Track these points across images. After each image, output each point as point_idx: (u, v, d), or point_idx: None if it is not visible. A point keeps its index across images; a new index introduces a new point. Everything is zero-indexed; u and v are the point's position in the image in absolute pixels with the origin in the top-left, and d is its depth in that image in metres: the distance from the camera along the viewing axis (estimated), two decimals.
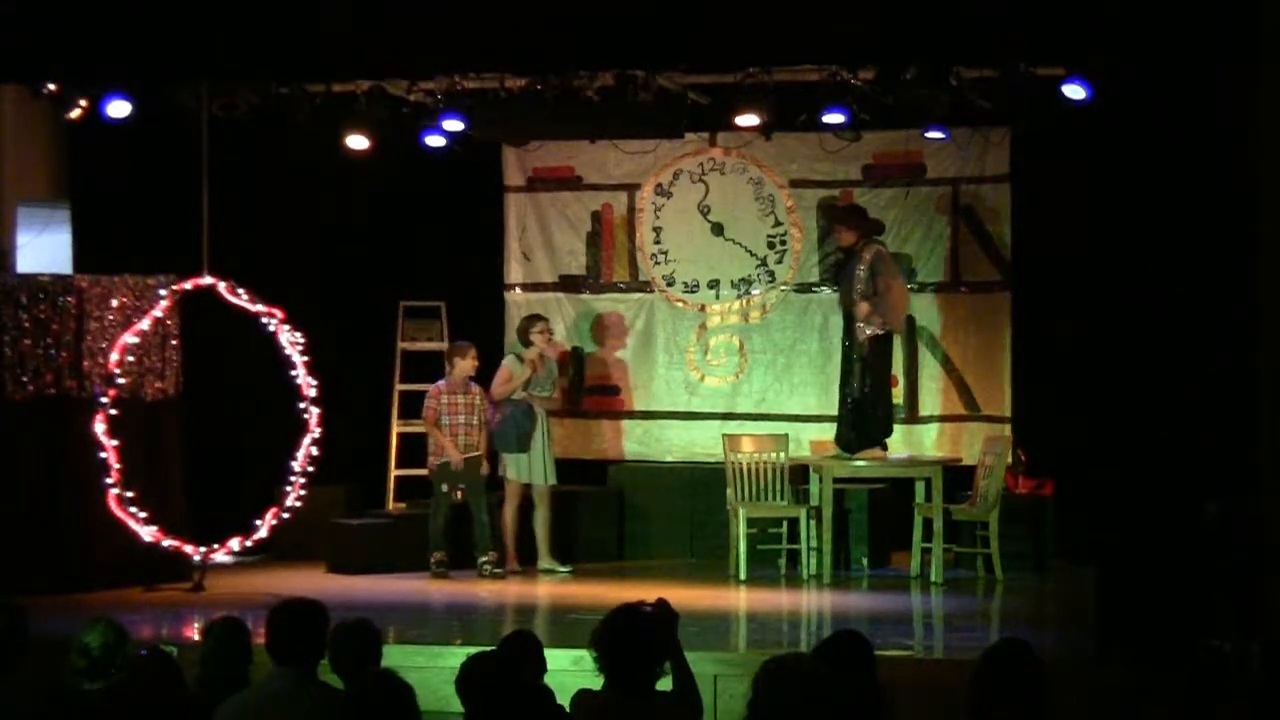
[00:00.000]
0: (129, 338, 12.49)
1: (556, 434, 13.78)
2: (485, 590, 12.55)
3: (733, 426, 14.06)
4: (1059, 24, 10.98)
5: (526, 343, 13.33)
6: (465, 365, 13.27)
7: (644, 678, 5.70)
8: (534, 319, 13.51)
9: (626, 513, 14.06)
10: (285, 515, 12.74)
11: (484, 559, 13.01)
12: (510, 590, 12.61)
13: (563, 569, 13.20)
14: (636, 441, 14.58)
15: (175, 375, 12.90)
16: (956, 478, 13.23)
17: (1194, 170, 11.61)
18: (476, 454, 13.19)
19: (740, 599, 12.39)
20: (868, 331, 13.01)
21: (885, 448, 13.23)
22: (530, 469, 13.17)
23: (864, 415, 13.12)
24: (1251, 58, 9.73)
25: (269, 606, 6.49)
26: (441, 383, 13.31)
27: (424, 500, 14.21)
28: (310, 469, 12.76)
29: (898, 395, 14.02)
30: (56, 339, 12.43)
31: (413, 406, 14.65)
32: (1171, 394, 12.02)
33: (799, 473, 13.37)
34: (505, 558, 13.11)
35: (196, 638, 7.38)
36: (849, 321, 13.16)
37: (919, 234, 14.17)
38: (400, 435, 14.59)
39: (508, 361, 13.44)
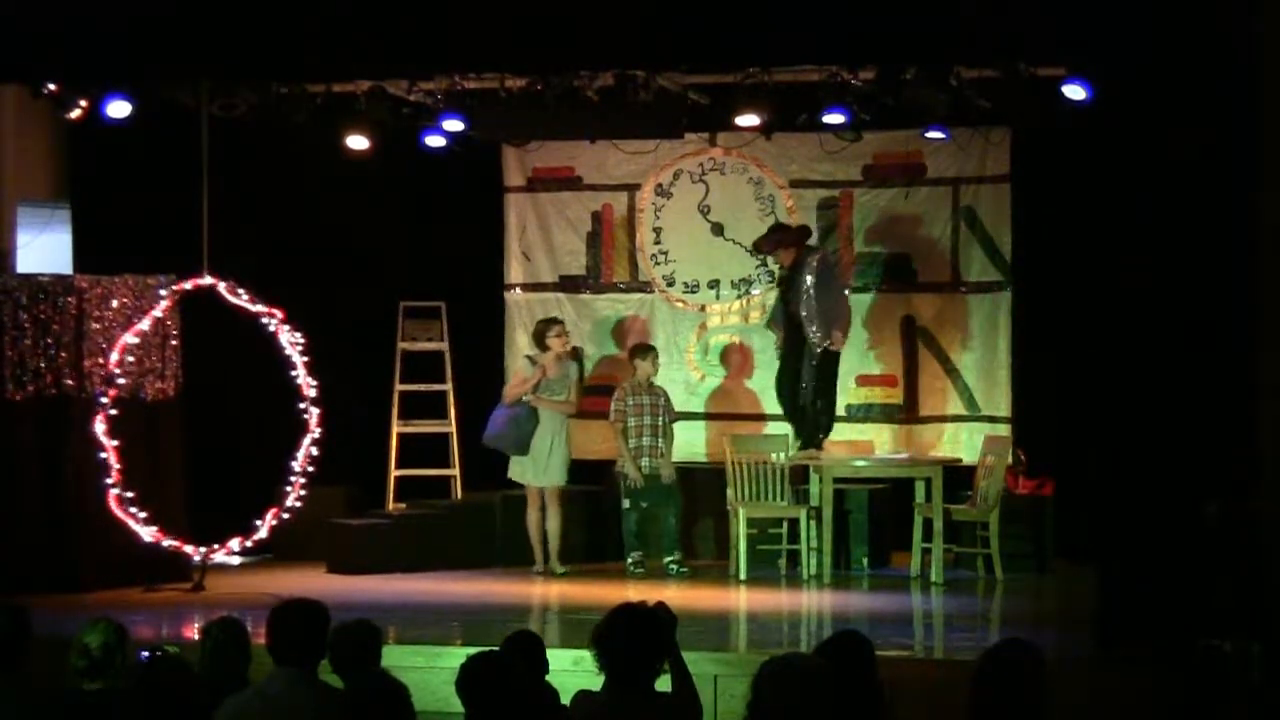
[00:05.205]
0: (129, 338, 12.49)
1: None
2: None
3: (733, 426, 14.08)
4: (1059, 24, 10.97)
5: (542, 346, 13.29)
6: (646, 367, 13.25)
7: (644, 678, 5.71)
8: (550, 322, 13.46)
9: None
10: (285, 515, 12.74)
11: (670, 559, 13.12)
12: (511, 590, 12.60)
13: (560, 570, 13.17)
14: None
15: (175, 375, 12.89)
16: (956, 478, 13.23)
17: (1194, 170, 11.61)
18: (656, 469, 13.17)
19: (740, 599, 12.39)
20: (821, 347, 13.03)
21: (821, 447, 13.24)
22: (532, 471, 13.15)
23: (805, 418, 13.16)
24: (1252, 58, 9.73)
25: (269, 606, 6.50)
26: (625, 384, 13.30)
27: (425, 501, 14.24)
28: (310, 469, 12.76)
29: (897, 395, 14.04)
30: (56, 339, 12.43)
31: (413, 407, 14.67)
32: (1171, 394, 12.03)
33: (799, 473, 13.36)
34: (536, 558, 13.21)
35: (196, 637, 7.38)
36: (799, 327, 13.12)
37: (919, 234, 14.17)
38: (400, 435, 14.59)
39: (520, 364, 13.44)
